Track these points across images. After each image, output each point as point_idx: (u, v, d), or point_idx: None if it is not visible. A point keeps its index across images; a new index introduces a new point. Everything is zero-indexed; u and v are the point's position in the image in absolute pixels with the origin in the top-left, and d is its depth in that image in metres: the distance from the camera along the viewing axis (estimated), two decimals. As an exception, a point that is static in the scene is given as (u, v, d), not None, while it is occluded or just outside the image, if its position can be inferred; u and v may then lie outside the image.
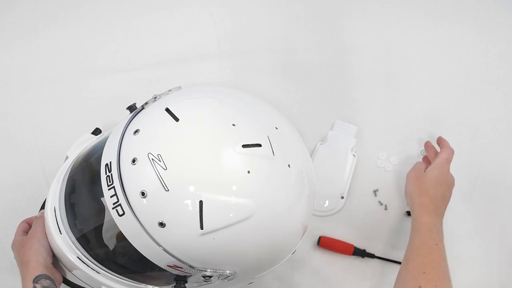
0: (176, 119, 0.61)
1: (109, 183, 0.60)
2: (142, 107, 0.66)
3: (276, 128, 0.65)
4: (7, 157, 0.92)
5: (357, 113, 0.96)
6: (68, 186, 0.69)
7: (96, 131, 0.82)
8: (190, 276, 0.62)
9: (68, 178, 0.69)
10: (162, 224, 0.57)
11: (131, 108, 0.67)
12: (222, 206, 0.57)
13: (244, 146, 0.59)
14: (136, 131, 0.62)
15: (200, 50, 1.00)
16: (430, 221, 0.76)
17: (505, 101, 0.97)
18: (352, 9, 1.02)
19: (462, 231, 0.90)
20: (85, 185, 0.68)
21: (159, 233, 0.58)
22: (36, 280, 0.65)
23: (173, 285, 0.63)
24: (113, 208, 0.59)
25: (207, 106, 0.63)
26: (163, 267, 0.61)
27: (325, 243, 0.88)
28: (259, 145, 0.60)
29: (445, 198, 0.81)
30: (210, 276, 0.61)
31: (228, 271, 0.62)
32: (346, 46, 1.00)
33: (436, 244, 0.74)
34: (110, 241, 0.64)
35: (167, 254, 0.59)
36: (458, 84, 0.98)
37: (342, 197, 0.91)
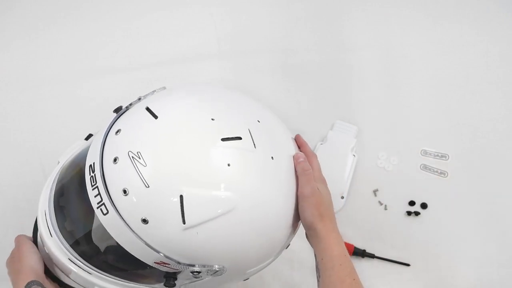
0: (155, 117, 0.62)
1: (92, 183, 0.61)
2: (127, 108, 0.67)
3: (259, 121, 0.65)
4: (7, 157, 0.93)
5: (357, 113, 0.96)
6: (58, 189, 0.69)
7: (89, 137, 0.82)
8: (179, 272, 0.62)
9: (57, 181, 0.70)
10: (145, 221, 0.58)
11: (117, 110, 0.68)
12: (203, 199, 0.58)
13: (223, 139, 0.60)
14: (118, 131, 0.63)
15: (200, 50, 1.00)
16: (341, 250, 0.66)
17: (505, 101, 0.97)
18: (352, 9, 1.02)
19: (462, 231, 0.90)
20: (73, 188, 0.68)
21: (143, 230, 0.58)
22: (28, 286, 0.65)
23: (163, 282, 0.63)
24: (97, 208, 0.60)
25: (186, 103, 0.64)
26: (151, 264, 0.61)
27: (325, 243, 0.88)
28: (239, 138, 0.61)
29: (333, 213, 0.70)
30: (199, 272, 0.61)
31: (216, 266, 0.61)
32: (346, 46, 1.00)
33: (354, 279, 0.64)
34: (98, 241, 0.64)
35: (153, 251, 0.59)
36: (458, 84, 0.98)
37: (342, 197, 0.91)
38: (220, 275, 0.63)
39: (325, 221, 0.66)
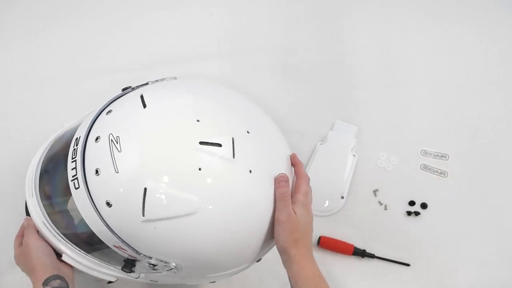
0: (144, 106, 0.62)
1: (73, 156, 0.63)
2: (132, 89, 0.68)
3: (248, 132, 0.63)
4: (7, 157, 0.92)
5: (357, 113, 0.96)
6: (48, 154, 0.71)
7: (126, 89, 0.77)
8: (138, 261, 0.63)
9: (51, 146, 0.72)
10: (109, 204, 0.59)
11: (125, 89, 0.69)
12: (165, 197, 0.58)
13: (201, 143, 0.59)
14: (109, 112, 0.64)
15: (200, 50, 1.00)
16: (315, 272, 0.66)
17: (505, 101, 0.97)
18: (352, 9, 1.02)
19: (462, 231, 0.90)
20: (60, 156, 0.69)
21: (106, 212, 0.60)
22: (46, 282, 0.66)
23: (122, 266, 0.65)
24: (71, 180, 0.61)
25: (179, 99, 0.64)
26: (111, 247, 0.62)
27: (325, 243, 0.88)
28: (219, 145, 0.60)
29: (311, 238, 0.69)
30: (155, 265, 0.62)
31: (173, 264, 0.62)
32: (346, 46, 1.00)
33: None
34: (68, 211, 0.66)
35: (112, 235, 0.60)
36: (458, 84, 0.98)
37: (342, 197, 0.91)
38: (177, 273, 0.64)
39: (298, 247, 0.65)
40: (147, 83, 0.69)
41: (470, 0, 1.02)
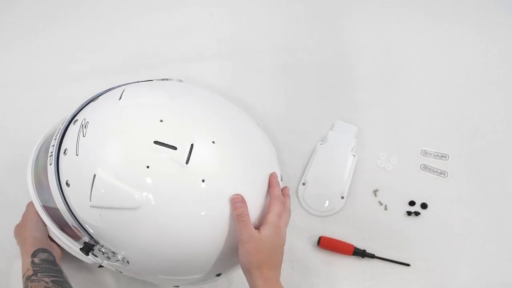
0: (120, 99, 0.65)
1: (56, 135, 0.68)
2: (136, 82, 0.72)
3: (213, 142, 0.63)
4: (7, 157, 0.92)
5: (357, 113, 0.96)
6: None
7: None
8: (94, 246, 0.65)
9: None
10: (67, 184, 0.63)
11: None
12: (110, 187, 0.60)
13: (156, 142, 0.60)
14: (95, 99, 0.70)
15: (200, 50, 1.00)
16: None
17: (505, 101, 0.97)
18: (352, 9, 1.02)
19: (462, 231, 0.90)
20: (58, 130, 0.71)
21: (66, 191, 0.64)
22: (34, 254, 0.69)
23: (81, 247, 0.66)
24: (49, 157, 0.67)
25: (154, 98, 0.66)
26: (71, 226, 0.66)
27: (325, 243, 0.88)
28: (174, 148, 0.60)
29: (279, 261, 0.67)
30: (105, 253, 0.64)
31: (119, 255, 0.64)
32: (346, 46, 1.00)
33: None
34: (45, 183, 0.68)
35: (69, 214, 0.63)
36: (458, 84, 0.98)
37: (342, 197, 0.91)
38: (124, 266, 0.65)
39: (262, 269, 0.64)
40: (151, 80, 0.72)
41: (470, 0, 1.01)
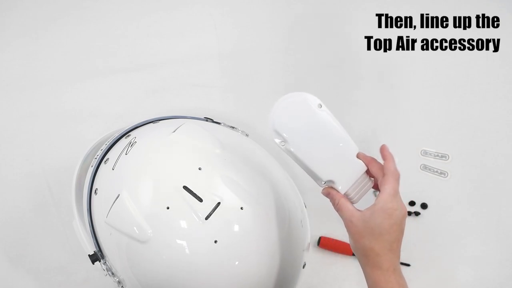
0: (174, 131, 0.66)
1: (108, 142, 0.71)
2: (204, 119, 0.76)
3: (241, 209, 0.61)
4: (7, 157, 0.92)
5: (357, 113, 0.96)
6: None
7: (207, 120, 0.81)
8: (99, 259, 0.66)
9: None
10: (95, 192, 0.65)
11: (206, 118, 0.77)
12: (127, 213, 0.60)
13: (185, 187, 0.60)
14: (155, 122, 0.74)
15: (200, 51, 1.00)
16: (399, 281, 0.60)
17: (505, 101, 0.97)
18: (352, 9, 1.02)
19: (463, 231, 0.90)
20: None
21: (93, 198, 0.66)
22: None
23: (90, 254, 0.67)
24: (94, 158, 0.70)
25: (204, 143, 0.65)
26: (87, 230, 0.68)
27: (325, 243, 0.88)
28: (200, 200, 0.60)
29: (399, 239, 0.61)
30: (107, 270, 0.65)
31: (117, 278, 0.65)
32: (346, 46, 1.00)
33: None
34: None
35: (88, 220, 0.66)
36: (458, 84, 0.98)
37: (342, 197, 0.90)
38: (120, 287, 0.66)
39: (381, 258, 0.59)
40: (220, 123, 0.74)
41: (470, 0, 1.01)
